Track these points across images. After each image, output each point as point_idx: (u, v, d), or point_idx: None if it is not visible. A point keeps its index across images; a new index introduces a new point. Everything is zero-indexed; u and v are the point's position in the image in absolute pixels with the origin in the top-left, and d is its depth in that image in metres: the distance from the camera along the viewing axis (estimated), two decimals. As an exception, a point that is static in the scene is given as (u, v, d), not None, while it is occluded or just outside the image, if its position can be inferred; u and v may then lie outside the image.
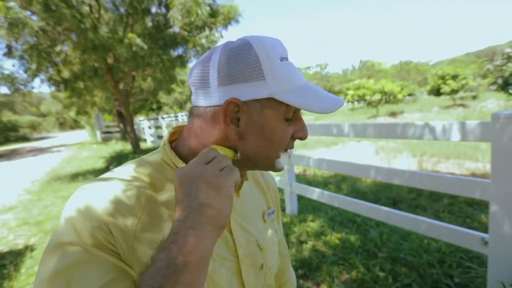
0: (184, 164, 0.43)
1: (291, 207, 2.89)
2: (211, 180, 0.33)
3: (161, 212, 0.40)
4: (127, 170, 0.42)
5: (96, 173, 6.12)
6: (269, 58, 0.38)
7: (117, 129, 14.36)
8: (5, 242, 2.97)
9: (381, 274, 1.73)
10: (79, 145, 13.82)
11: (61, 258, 0.33)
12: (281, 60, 0.40)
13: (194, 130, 0.43)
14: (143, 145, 9.86)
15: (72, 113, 15.30)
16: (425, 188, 1.60)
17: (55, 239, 0.36)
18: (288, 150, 0.45)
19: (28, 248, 2.69)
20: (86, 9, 5.90)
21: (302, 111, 0.43)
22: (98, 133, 14.34)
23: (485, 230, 1.49)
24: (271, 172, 0.53)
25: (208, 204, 0.32)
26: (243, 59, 0.38)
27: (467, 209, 2.64)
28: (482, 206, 2.61)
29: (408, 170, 1.68)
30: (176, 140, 0.48)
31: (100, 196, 0.37)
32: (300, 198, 3.18)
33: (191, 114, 0.44)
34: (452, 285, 1.55)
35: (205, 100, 0.41)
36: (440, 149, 5.27)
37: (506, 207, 1.26)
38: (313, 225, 2.55)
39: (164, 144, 0.45)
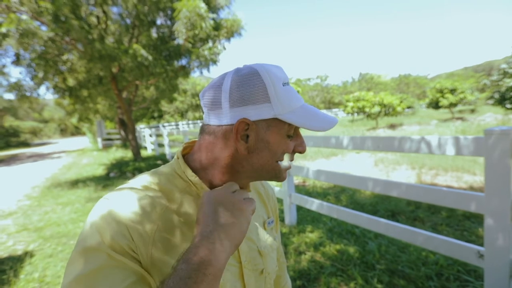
0: (194, 176, 0.48)
1: (290, 217, 2.90)
2: (237, 204, 0.40)
3: (174, 220, 0.45)
4: (143, 181, 0.47)
5: (96, 180, 6.13)
6: (274, 84, 0.44)
7: (118, 136, 14.44)
8: (4, 248, 2.96)
9: (379, 286, 1.74)
10: (80, 151, 13.84)
11: (86, 262, 0.37)
12: (283, 85, 0.46)
13: (206, 145, 0.48)
14: (143, 153, 9.90)
15: (74, 120, 15.44)
16: (422, 201, 1.64)
17: (81, 244, 0.39)
18: (289, 163, 0.50)
19: (28, 254, 2.69)
20: (93, 20, 6.10)
21: (301, 128, 0.49)
22: (99, 140, 14.41)
23: (482, 243, 1.52)
24: (272, 183, 0.56)
25: (232, 223, 0.38)
26: (252, 85, 0.44)
27: (464, 222, 2.66)
28: (479, 219, 2.63)
29: (406, 183, 1.72)
30: (187, 154, 0.52)
31: (122, 205, 0.42)
32: (299, 208, 3.20)
33: (203, 131, 0.49)
34: (449, 298, 1.56)
35: (216, 120, 0.46)
36: (438, 162, 5.31)
37: (500, 221, 1.30)
38: (312, 236, 2.56)
39: (178, 158, 0.50)
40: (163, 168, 0.50)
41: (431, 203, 1.60)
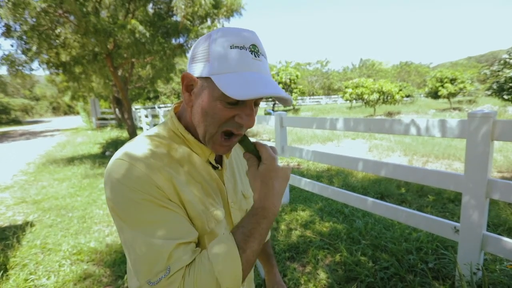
0: (187, 132, 0.54)
1: (283, 196, 3.01)
2: (285, 176, 0.53)
3: (180, 165, 0.52)
4: (147, 137, 0.53)
5: (92, 158, 6.16)
6: (217, 44, 0.45)
7: (112, 116, 14.26)
8: (3, 218, 3.05)
9: (363, 258, 1.87)
10: (74, 130, 13.72)
11: (136, 212, 0.45)
12: (231, 48, 0.45)
13: (185, 102, 0.54)
14: (139, 133, 9.86)
15: (66, 98, 15.11)
16: (407, 180, 1.73)
17: (123, 202, 0.45)
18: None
19: (28, 224, 2.77)
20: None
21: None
22: (93, 119, 14.24)
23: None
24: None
25: (281, 191, 0.52)
26: (201, 45, 0.49)
27: (449, 205, 2.79)
28: (463, 203, 2.76)
29: (392, 163, 1.80)
30: (178, 112, 0.58)
31: (137, 160, 0.48)
32: (292, 189, 3.30)
33: None
34: (426, 269, 1.68)
35: None
36: (431, 149, 5.43)
37: (476, 198, 1.39)
38: (303, 214, 2.67)
39: (172, 117, 0.56)
40: (160, 126, 0.56)
41: (416, 182, 1.68)
